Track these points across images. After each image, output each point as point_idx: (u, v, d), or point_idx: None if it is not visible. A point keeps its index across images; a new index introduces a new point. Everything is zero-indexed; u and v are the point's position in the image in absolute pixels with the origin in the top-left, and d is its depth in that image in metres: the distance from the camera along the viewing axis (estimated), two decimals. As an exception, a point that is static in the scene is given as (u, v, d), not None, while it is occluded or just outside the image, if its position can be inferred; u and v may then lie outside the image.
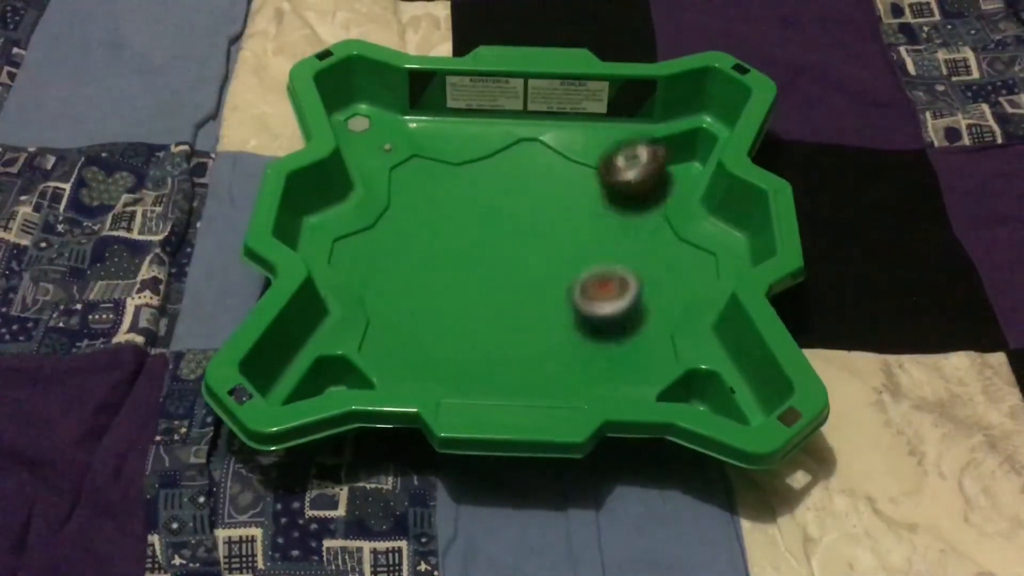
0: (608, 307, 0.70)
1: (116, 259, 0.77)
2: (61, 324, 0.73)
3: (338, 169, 0.78)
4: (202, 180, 0.84)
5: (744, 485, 0.66)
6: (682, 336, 0.71)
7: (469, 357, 0.70)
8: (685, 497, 0.66)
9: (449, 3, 0.98)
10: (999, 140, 0.87)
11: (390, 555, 0.63)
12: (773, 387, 0.65)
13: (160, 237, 0.78)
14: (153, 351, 0.73)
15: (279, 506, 0.65)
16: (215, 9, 0.97)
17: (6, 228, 0.79)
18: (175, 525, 0.64)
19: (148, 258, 0.77)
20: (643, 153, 0.78)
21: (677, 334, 0.71)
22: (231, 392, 0.63)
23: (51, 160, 0.84)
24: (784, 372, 0.65)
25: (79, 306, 0.75)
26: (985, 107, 0.89)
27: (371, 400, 0.65)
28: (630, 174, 0.78)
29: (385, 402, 0.64)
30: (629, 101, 0.83)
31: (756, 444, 0.62)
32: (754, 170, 0.76)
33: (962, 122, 0.88)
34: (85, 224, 0.80)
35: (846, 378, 0.71)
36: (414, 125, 0.85)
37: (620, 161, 0.78)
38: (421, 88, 0.84)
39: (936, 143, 0.87)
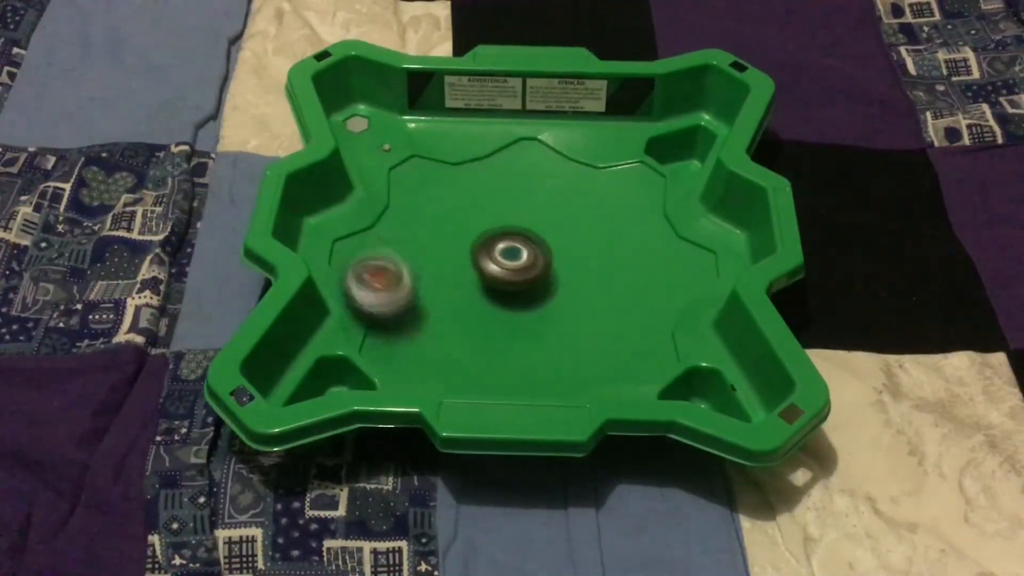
0: (377, 299, 0.69)
1: (116, 259, 0.77)
2: (61, 324, 0.73)
3: (337, 170, 0.78)
4: (202, 180, 0.84)
5: (744, 484, 0.66)
6: (683, 334, 0.71)
7: (470, 357, 0.70)
8: (685, 497, 0.66)
9: (449, 3, 0.98)
10: (999, 140, 0.87)
11: (390, 555, 0.63)
12: (774, 384, 0.65)
13: (160, 237, 0.78)
14: (153, 351, 0.73)
15: (279, 506, 0.65)
16: (215, 9, 0.97)
17: (6, 228, 0.79)
18: (175, 525, 0.64)
19: (148, 258, 0.77)
20: (525, 252, 0.72)
21: (678, 332, 0.71)
22: (233, 393, 0.63)
23: (51, 160, 0.84)
24: (785, 369, 0.65)
25: (79, 306, 0.75)
26: (985, 107, 0.89)
27: (373, 401, 0.65)
28: (500, 271, 0.72)
29: (387, 402, 0.64)
30: (627, 99, 0.83)
31: (758, 441, 0.62)
32: (753, 167, 0.76)
33: (962, 122, 0.88)
34: (85, 224, 0.80)
35: (846, 378, 0.71)
36: (413, 125, 0.85)
37: (498, 252, 0.72)
38: (419, 88, 0.84)
39: (936, 143, 0.87)
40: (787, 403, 0.63)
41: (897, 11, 0.99)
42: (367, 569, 0.63)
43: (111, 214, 0.80)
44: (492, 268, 0.72)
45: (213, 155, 0.85)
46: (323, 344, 0.69)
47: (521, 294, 0.73)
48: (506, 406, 0.64)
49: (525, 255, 0.72)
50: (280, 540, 0.64)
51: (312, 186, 0.77)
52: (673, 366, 0.68)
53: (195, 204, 0.82)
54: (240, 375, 0.64)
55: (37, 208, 0.80)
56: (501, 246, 0.72)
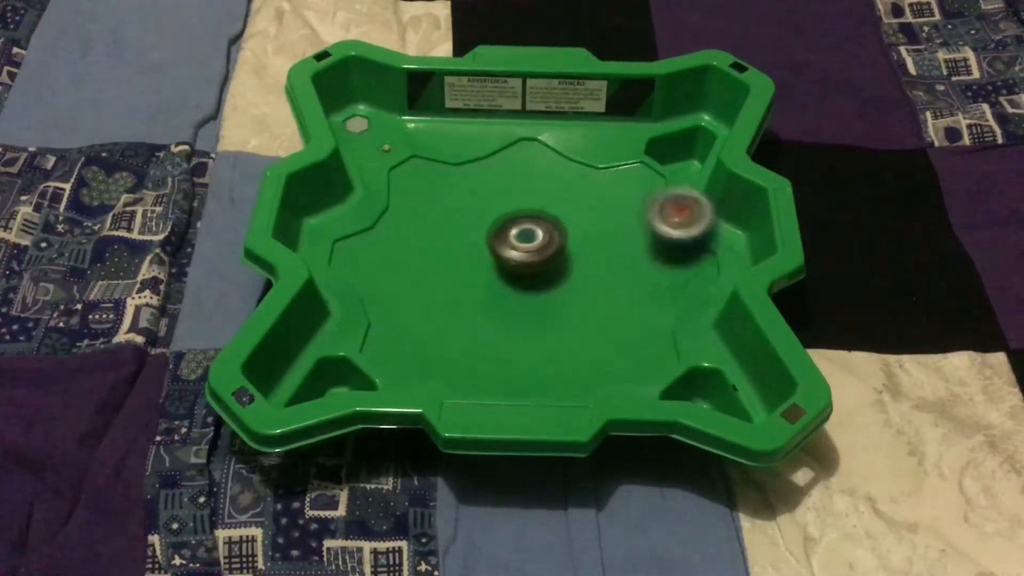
0: (681, 231, 0.73)
1: (116, 259, 0.77)
2: (61, 324, 0.73)
3: (337, 170, 0.78)
4: (202, 180, 0.84)
5: (744, 485, 0.66)
6: (684, 334, 0.71)
7: (471, 357, 0.70)
8: (685, 497, 0.66)
9: (449, 3, 0.98)
10: (999, 140, 0.87)
11: (390, 555, 0.63)
12: (776, 384, 0.65)
13: (160, 237, 0.78)
14: (153, 351, 0.73)
15: (279, 506, 0.65)
16: (215, 9, 0.97)
17: (6, 228, 0.79)
18: (175, 525, 0.64)
19: (148, 258, 0.77)
20: (540, 231, 0.74)
21: (679, 332, 0.71)
22: (234, 394, 0.63)
23: (51, 160, 0.84)
24: (787, 369, 0.65)
25: (79, 306, 0.75)
26: (985, 107, 0.89)
27: (375, 401, 0.65)
28: (519, 254, 0.73)
29: (389, 403, 0.64)
30: (627, 100, 0.83)
31: (761, 441, 0.62)
32: (754, 168, 0.76)
33: (962, 122, 0.88)
34: (85, 224, 0.80)
35: (846, 378, 0.71)
36: (413, 126, 0.85)
37: (513, 234, 0.73)
38: (419, 88, 0.84)
39: (936, 143, 0.87)
40: (789, 403, 0.63)
41: (897, 11, 0.99)
42: (367, 569, 0.63)
43: (111, 214, 0.80)
44: (510, 253, 0.72)
45: (213, 155, 0.85)
46: (324, 345, 0.69)
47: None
48: (508, 407, 0.64)
49: (540, 235, 0.73)
50: (280, 540, 0.64)
51: (312, 187, 0.77)
52: (674, 366, 0.68)
53: (195, 204, 0.82)
54: (242, 376, 0.64)
55: (37, 208, 0.80)
56: (515, 230, 0.73)
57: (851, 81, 0.91)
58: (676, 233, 0.74)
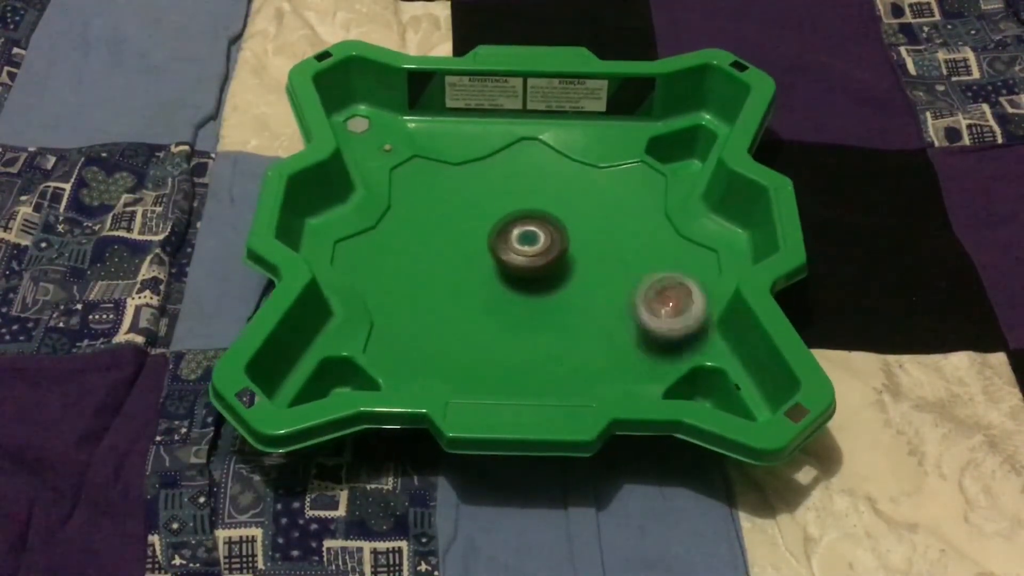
0: (671, 324, 0.68)
1: (116, 259, 0.77)
2: (61, 324, 0.73)
3: (339, 170, 0.78)
4: (202, 180, 0.84)
5: (744, 485, 0.66)
6: (685, 333, 0.71)
7: (473, 356, 0.70)
8: (685, 496, 0.66)
9: (449, 3, 0.98)
10: (999, 140, 0.87)
11: (390, 555, 0.63)
12: (778, 383, 0.65)
13: (160, 237, 0.78)
14: (153, 351, 0.73)
15: (279, 506, 0.65)
16: (215, 9, 0.97)
17: (6, 228, 0.79)
18: (175, 525, 0.64)
19: (148, 258, 0.77)
20: (542, 234, 0.73)
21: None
22: (238, 395, 0.63)
23: (51, 160, 0.84)
24: (790, 368, 0.65)
25: (79, 306, 0.75)
26: (985, 107, 0.89)
27: (379, 401, 0.65)
28: (521, 258, 0.72)
29: (393, 403, 0.64)
30: (628, 99, 0.83)
31: (764, 440, 0.62)
32: (755, 166, 0.76)
33: (962, 122, 0.88)
34: (85, 224, 0.80)
35: (846, 378, 0.71)
36: (413, 125, 0.85)
37: (515, 237, 0.72)
38: (420, 88, 0.84)
39: (936, 143, 0.87)
40: (792, 402, 0.63)
41: (897, 11, 0.99)
42: (367, 569, 0.63)
43: (111, 214, 0.80)
44: (512, 257, 0.72)
45: (213, 155, 0.85)
46: (327, 345, 0.69)
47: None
48: (512, 406, 0.64)
49: (542, 238, 0.73)
50: (280, 540, 0.64)
51: (313, 187, 0.77)
52: (677, 365, 0.68)
53: (195, 204, 0.82)
54: (245, 376, 0.64)
55: (37, 208, 0.80)
56: (516, 232, 0.73)
57: (851, 81, 0.91)
58: (663, 326, 0.68)
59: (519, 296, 0.74)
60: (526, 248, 0.73)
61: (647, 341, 0.70)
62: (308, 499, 0.65)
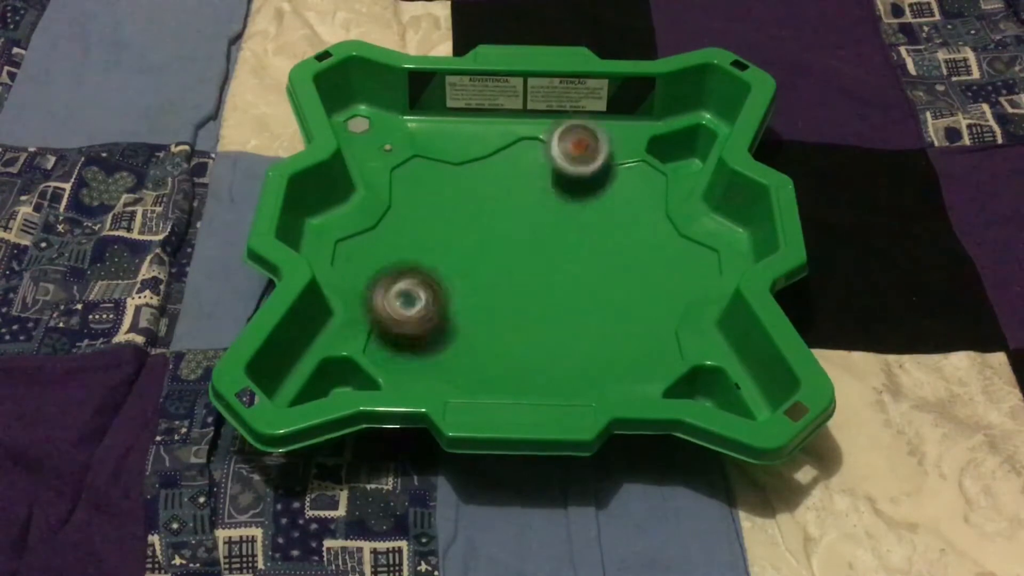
0: (584, 167, 0.77)
1: (116, 259, 0.77)
2: (61, 324, 0.73)
3: (339, 171, 0.78)
4: (202, 180, 0.84)
5: (744, 485, 0.66)
6: (686, 333, 0.71)
7: (473, 356, 0.70)
8: (685, 496, 0.66)
9: (449, 3, 0.98)
10: (999, 140, 0.87)
11: (390, 555, 0.63)
12: (778, 382, 0.65)
13: (160, 237, 0.78)
14: (153, 351, 0.73)
15: (279, 506, 0.65)
16: (215, 9, 0.97)
17: (6, 228, 0.79)
18: (175, 525, 0.64)
19: (148, 258, 0.77)
20: (422, 294, 0.68)
21: (681, 331, 0.71)
22: (238, 395, 0.63)
23: (51, 160, 0.84)
24: (789, 367, 0.65)
25: (79, 306, 0.74)
26: (985, 107, 0.89)
27: (379, 401, 0.65)
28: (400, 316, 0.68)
29: (393, 403, 0.64)
30: (628, 99, 0.83)
31: (764, 439, 0.62)
32: (755, 166, 0.76)
33: (962, 122, 0.88)
34: (85, 224, 0.80)
35: (846, 378, 0.71)
36: (414, 125, 0.85)
37: (393, 293, 0.68)
38: (420, 88, 0.84)
39: (936, 143, 0.87)
40: (792, 401, 0.63)
41: (897, 11, 0.99)
42: (367, 569, 0.63)
43: (111, 214, 0.80)
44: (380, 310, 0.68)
45: (213, 155, 0.85)
46: (327, 345, 0.69)
47: (525, 292, 0.74)
48: (512, 406, 0.64)
49: (422, 299, 0.69)
50: (280, 540, 0.64)
51: (314, 187, 0.77)
52: (677, 365, 0.68)
53: (195, 204, 0.82)
54: (245, 376, 0.64)
55: (37, 208, 0.80)
56: (397, 289, 0.69)
57: (851, 81, 0.91)
58: (575, 168, 0.77)
59: (519, 295, 0.74)
60: (406, 311, 0.68)
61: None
62: (308, 499, 0.65)
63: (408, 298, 0.69)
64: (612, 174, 0.80)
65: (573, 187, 0.81)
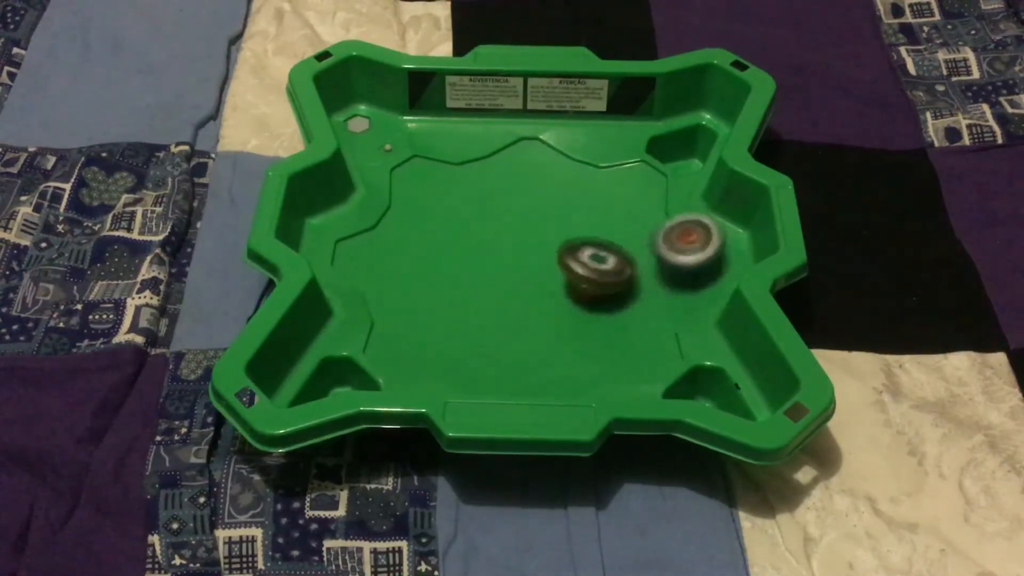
0: (690, 258, 0.72)
1: (116, 259, 0.77)
2: (61, 324, 0.73)
3: (339, 170, 0.78)
4: (202, 180, 0.84)
5: (744, 485, 0.66)
6: (686, 333, 0.71)
7: (474, 356, 0.70)
8: (685, 496, 0.66)
9: (449, 3, 0.98)
10: (999, 140, 0.87)
11: (390, 555, 0.63)
12: (778, 383, 0.65)
13: (160, 237, 0.78)
14: (153, 351, 0.73)
15: (279, 506, 0.65)
16: (215, 9, 0.97)
17: (6, 228, 0.79)
18: (175, 525, 0.64)
19: (148, 258, 0.77)
20: (611, 259, 0.72)
21: (681, 331, 0.71)
22: (238, 395, 0.63)
23: (51, 160, 0.84)
24: (789, 367, 0.65)
25: (79, 306, 0.74)
26: (985, 107, 0.89)
27: (379, 401, 0.65)
28: (592, 274, 0.71)
29: (393, 403, 0.64)
30: (628, 99, 0.83)
31: (764, 440, 0.62)
32: (755, 166, 0.76)
33: (962, 122, 0.88)
34: (85, 224, 0.80)
35: (846, 378, 0.71)
36: (414, 125, 0.85)
37: (586, 255, 0.72)
38: (420, 88, 0.84)
39: (936, 143, 0.87)
40: (792, 401, 0.63)
41: (897, 11, 0.99)
42: (367, 569, 0.63)
43: (111, 214, 0.80)
44: (580, 269, 0.71)
45: (213, 155, 0.85)
46: (327, 345, 0.69)
47: (525, 292, 0.74)
48: (511, 406, 0.64)
49: (611, 261, 0.72)
50: (280, 540, 0.64)
51: (314, 187, 0.77)
52: (677, 365, 0.68)
53: (195, 204, 0.82)
54: (245, 376, 0.64)
55: (37, 208, 0.80)
56: (588, 252, 0.72)
57: (851, 81, 0.91)
58: (686, 259, 0.72)
59: (519, 296, 0.74)
60: (598, 265, 0.72)
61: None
62: (308, 499, 0.65)
63: (598, 258, 0.72)
64: (616, 177, 0.79)
65: (574, 188, 0.81)
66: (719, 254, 0.73)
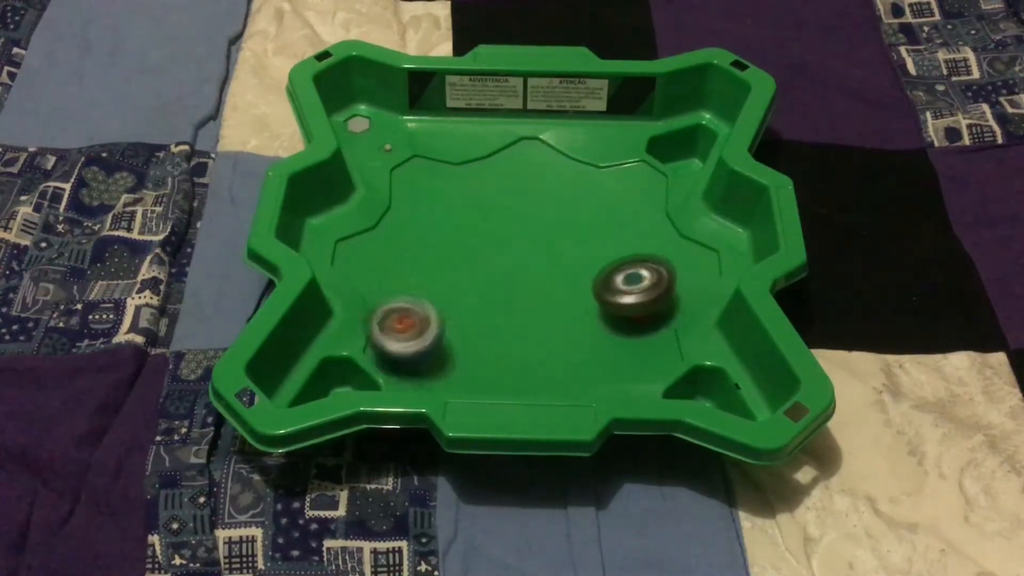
0: (403, 346, 0.67)
1: (116, 259, 0.77)
2: (61, 324, 0.73)
3: (339, 170, 0.78)
4: (202, 180, 0.84)
5: (744, 485, 0.66)
6: (686, 333, 0.71)
7: (473, 356, 0.70)
8: (685, 496, 0.66)
9: (449, 3, 0.98)
10: (999, 140, 0.87)
11: (390, 555, 0.63)
12: (778, 383, 0.65)
13: (160, 237, 0.78)
14: (153, 351, 0.73)
15: (279, 506, 0.65)
16: (215, 9, 0.97)
17: (6, 228, 0.79)
18: (175, 525, 0.64)
19: (148, 258, 0.77)
20: (646, 275, 0.71)
21: (681, 331, 0.71)
22: (238, 395, 0.63)
23: (51, 160, 0.84)
24: (789, 367, 0.65)
25: (79, 306, 0.74)
26: (985, 107, 0.89)
27: (379, 401, 0.65)
28: (630, 298, 0.70)
29: (393, 403, 0.64)
30: (628, 99, 0.83)
31: (764, 440, 0.62)
32: (755, 166, 0.77)
33: (962, 122, 0.88)
34: (85, 224, 0.80)
35: (846, 378, 0.71)
36: (414, 125, 0.85)
37: (619, 281, 0.71)
38: (420, 88, 0.84)
39: (936, 143, 0.87)
40: (792, 401, 0.63)
41: (897, 11, 0.99)
42: (367, 569, 0.63)
43: (111, 214, 0.80)
44: (621, 298, 0.70)
45: (213, 155, 0.85)
46: (327, 345, 0.69)
47: (525, 292, 0.73)
48: (512, 406, 0.64)
49: (647, 277, 0.70)
50: (280, 540, 0.64)
51: (314, 187, 0.77)
52: (677, 365, 0.68)
53: (195, 204, 0.82)
54: (245, 376, 0.64)
55: (37, 208, 0.80)
56: (621, 276, 0.71)
57: (851, 81, 0.91)
58: (397, 347, 0.67)
59: (518, 296, 0.74)
60: (634, 287, 0.70)
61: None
62: (308, 499, 0.65)
63: (632, 278, 0.70)
64: (616, 176, 0.78)
65: (574, 188, 0.81)
66: (437, 343, 0.67)
